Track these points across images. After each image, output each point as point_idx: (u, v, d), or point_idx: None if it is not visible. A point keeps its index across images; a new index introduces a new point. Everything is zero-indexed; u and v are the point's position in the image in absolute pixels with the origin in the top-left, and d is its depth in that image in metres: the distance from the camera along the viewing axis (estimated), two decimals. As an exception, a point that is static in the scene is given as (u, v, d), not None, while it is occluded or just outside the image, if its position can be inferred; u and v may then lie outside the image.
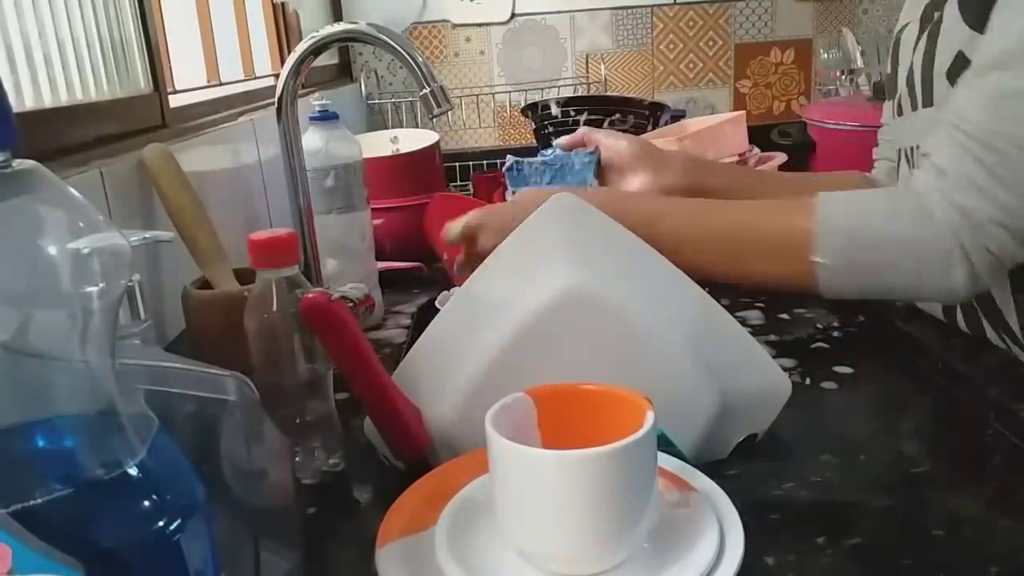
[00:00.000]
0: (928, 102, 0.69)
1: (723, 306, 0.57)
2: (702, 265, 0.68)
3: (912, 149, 0.74)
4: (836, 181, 0.87)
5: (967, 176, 0.61)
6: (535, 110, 1.59)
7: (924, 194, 0.63)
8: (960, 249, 0.61)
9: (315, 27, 1.06)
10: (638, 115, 1.42)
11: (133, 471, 0.28)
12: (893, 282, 0.64)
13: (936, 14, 0.70)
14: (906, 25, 0.79)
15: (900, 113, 0.76)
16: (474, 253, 0.76)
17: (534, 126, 1.61)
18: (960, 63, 0.65)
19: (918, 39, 0.72)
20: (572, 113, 1.53)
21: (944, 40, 0.67)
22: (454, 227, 0.77)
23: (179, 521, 0.29)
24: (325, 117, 0.92)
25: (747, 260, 0.68)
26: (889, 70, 0.81)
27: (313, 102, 0.91)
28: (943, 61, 0.66)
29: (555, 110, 1.54)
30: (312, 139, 0.90)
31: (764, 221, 0.66)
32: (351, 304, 0.53)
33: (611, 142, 0.86)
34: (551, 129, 1.55)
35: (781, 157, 1.21)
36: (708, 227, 0.69)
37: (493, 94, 2.04)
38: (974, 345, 0.71)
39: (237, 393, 0.40)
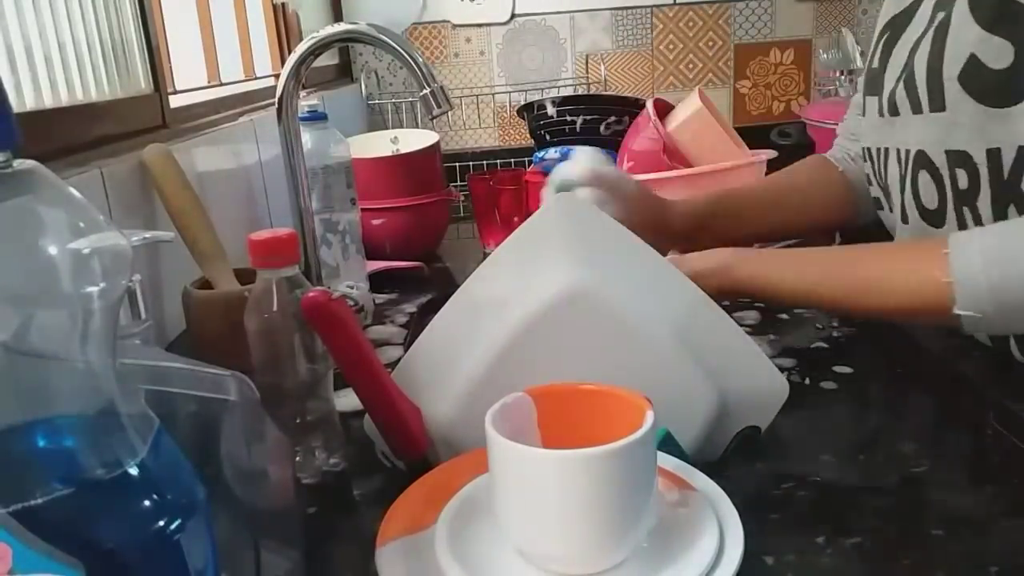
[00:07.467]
0: (937, 106, 0.66)
1: (722, 306, 0.57)
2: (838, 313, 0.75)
3: (907, 152, 0.71)
4: (802, 172, 0.94)
5: None
6: (531, 111, 1.58)
7: None
8: None
9: (315, 27, 1.06)
10: (633, 116, 1.41)
11: (133, 471, 0.28)
12: None
13: (940, 14, 0.67)
14: (894, 17, 0.75)
15: (895, 113, 0.73)
16: None
17: (529, 127, 1.61)
18: (973, 67, 0.62)
19: (920, 37, 0.69)
20: (567, 114, 1.52)
21: (953, 41, 0.64)
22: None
23: (179, 521, 0.29)
24: (315, 117, 0.92)
25: (884, 312, 0.66)
26: (876, 64, 0.78)
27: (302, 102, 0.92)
28: (953, 64, 0.64)
29: (551, 110, 1.53)
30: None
31: (898, 277, 0.64)
32: (352, 304, 0.53)
33: (621, 182, 0.84)
34: (548, 136, 1.54)
35: (770, 153, 1.21)
36: (838, 283, 0.67)
37: (493, 94, 2.04)
38: (974, 345, 0.71)
39: (238, 393, 0.40)
